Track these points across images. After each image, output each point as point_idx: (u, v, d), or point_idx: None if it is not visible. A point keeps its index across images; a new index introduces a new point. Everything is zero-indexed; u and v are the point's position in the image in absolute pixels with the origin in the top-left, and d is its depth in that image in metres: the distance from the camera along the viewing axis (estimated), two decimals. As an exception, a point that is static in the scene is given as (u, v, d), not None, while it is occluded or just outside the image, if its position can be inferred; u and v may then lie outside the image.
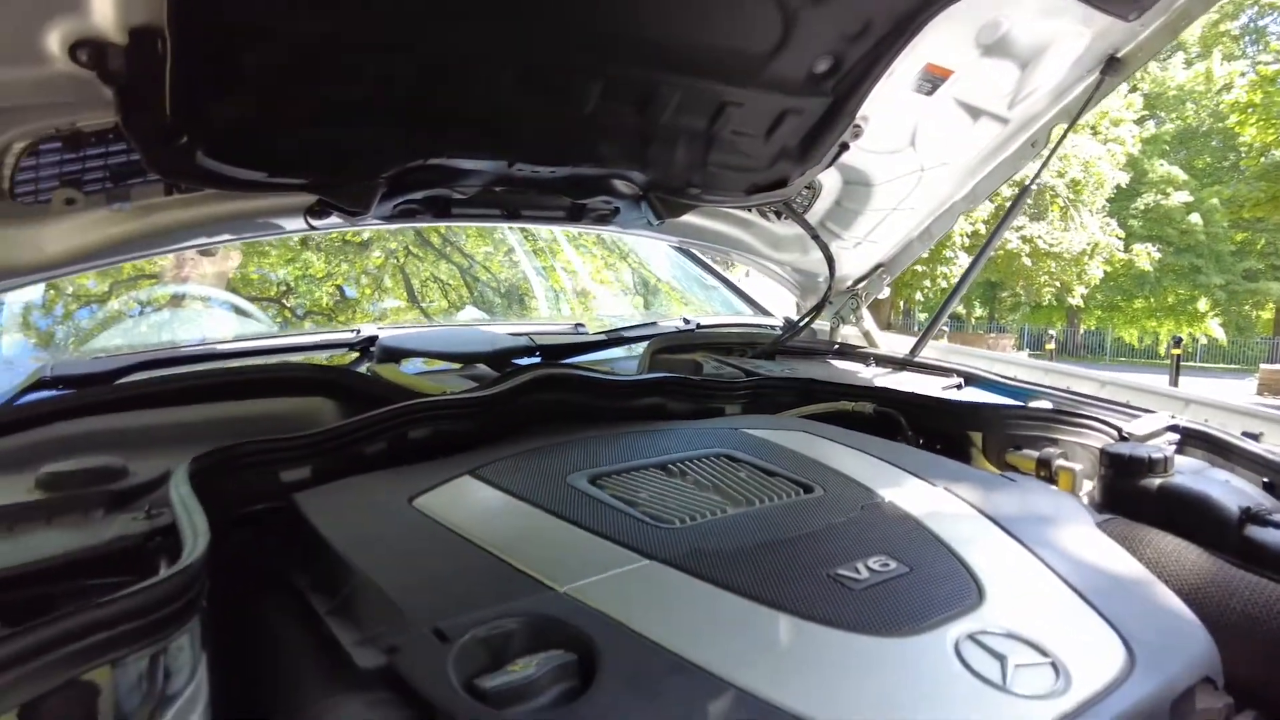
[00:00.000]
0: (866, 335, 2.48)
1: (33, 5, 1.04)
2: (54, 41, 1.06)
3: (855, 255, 2.35)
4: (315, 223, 1.52)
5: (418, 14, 1.19)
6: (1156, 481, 1.33)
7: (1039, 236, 17.30)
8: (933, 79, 1.72)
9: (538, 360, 1.86)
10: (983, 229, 17.59)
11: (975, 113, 1.86)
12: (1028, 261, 17.69)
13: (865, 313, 2.49)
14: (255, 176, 1.28)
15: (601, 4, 1.28)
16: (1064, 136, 1.90)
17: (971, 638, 0.82)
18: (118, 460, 1.13)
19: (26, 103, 1.17)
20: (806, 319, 2.31)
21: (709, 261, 2.90)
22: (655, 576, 0.90)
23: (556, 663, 0.74)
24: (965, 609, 0.87)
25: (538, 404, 1.50)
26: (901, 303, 19.82)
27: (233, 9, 1.09)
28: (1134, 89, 20.10)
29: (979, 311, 24.78)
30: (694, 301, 3.09)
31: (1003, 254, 17.58)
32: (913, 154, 1.94)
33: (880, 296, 2.50)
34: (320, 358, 1.80)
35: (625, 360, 2.03)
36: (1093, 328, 25.08)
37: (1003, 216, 2.05)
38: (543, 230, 3.28)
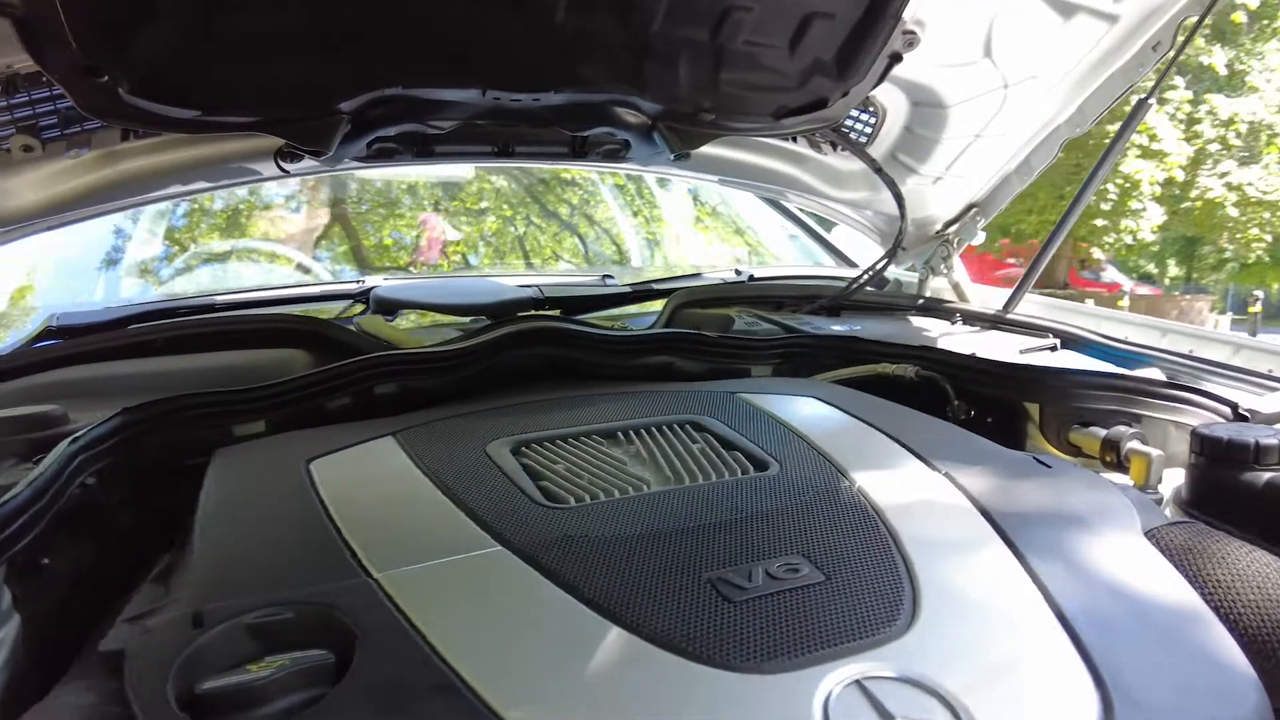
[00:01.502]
0: (956, 288, 2.14)
1: None
2: None
3: (939, 193, 2.01)
4: (287, 166, 1.43)
5: None
6: (1265, 476, 1.00)
7: (1249, 183, 14.96)
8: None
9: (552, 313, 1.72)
10: (1180, 175, 15.45)
11: (1068, 9, 1.48)
12: (1233, 211, 15.38)
13: (957, 262, 2.14)
14: (190, 115, 1.20)
15: None
16: (1193, 33, 1.48)
17: (860, 683, 0.59)
18: (58, 409, 1.12)
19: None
20: (876, 268, 2.02)
21: (789, 207, 2.61)
22: (491, 568, 0.74)
23: (306, 665, 0.60)
24: (873, 641, 0.64)
25: (523, 360, 1.37)
26: (1079, 260, 17.84)
27: None
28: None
29: (1174, 270, 22.01)
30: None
31: (1201, 204, 15.37)
32: (991, 67, 1.59)
33: (976, 242, 2.15)
34: (320, 309, 1.74)
35: (650, 317, 1.85)
36: (1319, 288, 21.63)
37: (1114, 139, 1.66)
38: (655, 201, 3.12)
